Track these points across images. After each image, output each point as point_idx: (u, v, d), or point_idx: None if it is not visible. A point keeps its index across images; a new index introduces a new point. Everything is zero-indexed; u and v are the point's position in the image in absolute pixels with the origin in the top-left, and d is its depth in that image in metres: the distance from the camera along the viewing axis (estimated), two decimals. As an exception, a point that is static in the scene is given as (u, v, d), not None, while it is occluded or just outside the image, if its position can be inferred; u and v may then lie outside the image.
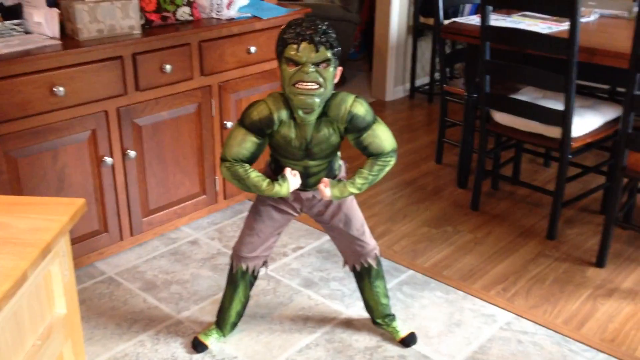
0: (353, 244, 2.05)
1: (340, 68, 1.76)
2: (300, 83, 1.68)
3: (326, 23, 1.71)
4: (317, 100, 1.71)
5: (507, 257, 2.68)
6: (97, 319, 2.26)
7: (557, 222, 2.80)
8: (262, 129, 1.79)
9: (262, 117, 1.77)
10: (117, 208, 2.53)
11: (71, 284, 1.24)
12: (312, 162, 1.87)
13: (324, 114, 1.78)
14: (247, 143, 1.81)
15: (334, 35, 1.70)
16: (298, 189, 1.92)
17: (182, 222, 2.83)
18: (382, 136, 1.84)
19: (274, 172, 1.93)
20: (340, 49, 1.72)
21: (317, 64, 1.67)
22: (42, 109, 2.19)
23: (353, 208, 2.02)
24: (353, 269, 2.11)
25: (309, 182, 1.91)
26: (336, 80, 1.76)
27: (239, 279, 2.06)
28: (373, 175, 1.87)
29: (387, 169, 1.88)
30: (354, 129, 1.80)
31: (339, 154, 1.96)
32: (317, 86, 1.69)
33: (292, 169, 1.87)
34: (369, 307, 2.17)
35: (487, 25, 2.70)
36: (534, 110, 2.68)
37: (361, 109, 1.78)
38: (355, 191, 1.88)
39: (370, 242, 2.07)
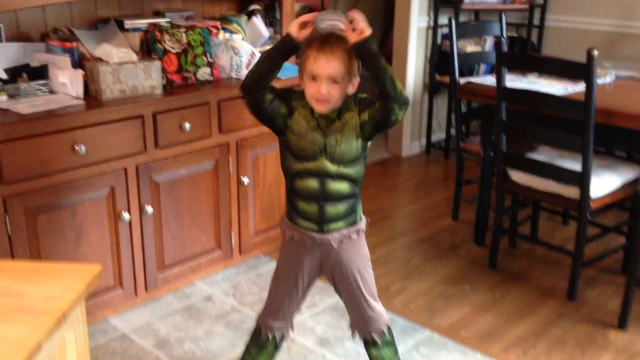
0: (362, 315, 2.00)
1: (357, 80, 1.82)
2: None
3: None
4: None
5: (527, 318, 2.63)
6: (109, 377, 2.24)
7: (577, 282, 2.75)
8: (280, 93, 1.84)
9: (283, 87, 1.88)
10: (133, 263, 2.53)
11: (85, 351, 1.23)
12: (330, 166, 1.81)
13: (343, 111, 1.82)
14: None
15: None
16: (314, 232, 1.87)
17: (196, 277, 2.83)
18: None
19: (291, 206, 1.90)
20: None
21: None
22: (63, 167, 2.23)
23: (369, 280, 1.98)
24: (355, 335, 2.07)
25: (325, 217, 1.85)
26: (353, 90, 1.81)
27: (268, 344, 2.04)
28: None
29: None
30: (367, 106, 1.81)
31: (360, 206, 1.93)
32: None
33: (307, 201, 1.84)
34: None
35: (502, 86, 2.73)
36: (551, 170, 2.67)
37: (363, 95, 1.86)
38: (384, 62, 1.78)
39: (380, 316, 2.01)
